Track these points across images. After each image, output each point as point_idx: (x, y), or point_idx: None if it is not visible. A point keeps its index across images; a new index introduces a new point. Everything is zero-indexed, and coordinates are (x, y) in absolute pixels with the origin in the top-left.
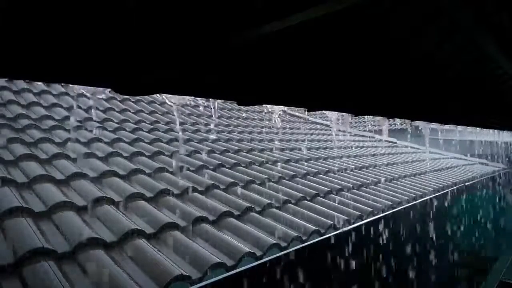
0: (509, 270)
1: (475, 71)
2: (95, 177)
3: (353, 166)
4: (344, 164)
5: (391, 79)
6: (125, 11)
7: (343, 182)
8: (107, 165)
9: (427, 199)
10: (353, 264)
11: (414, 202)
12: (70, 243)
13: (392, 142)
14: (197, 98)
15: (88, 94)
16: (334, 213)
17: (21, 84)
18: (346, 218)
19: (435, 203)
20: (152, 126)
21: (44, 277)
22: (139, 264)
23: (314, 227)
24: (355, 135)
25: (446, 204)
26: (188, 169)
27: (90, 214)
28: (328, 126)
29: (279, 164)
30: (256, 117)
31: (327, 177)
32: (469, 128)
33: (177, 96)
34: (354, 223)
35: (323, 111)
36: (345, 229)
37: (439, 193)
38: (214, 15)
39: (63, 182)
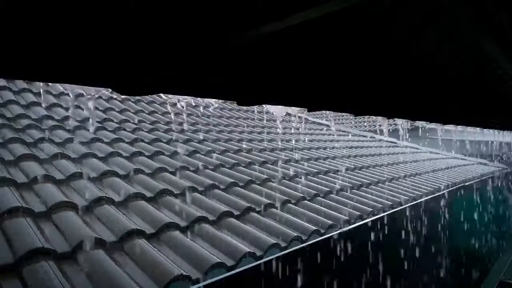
0: (509, 270)
1: (475, 71)
2: (95, 177)
3: (353, 166)
4: (344, 164)
5: (391, 79)
6: (125, 11)
7: (343, 182)
8: (107, 165)
9: (427, 199)
10: (353, 264)
11: (414, 202)
12: (70, 243)
13: (392, 142)
14: (197, 98)
15: (86, 94)
16: (334, 213)
17: (21, 84)
18: (346, 218)
19: (435, 203)
20: (152, 126)
21: (44, 277)
22: (139, 264)
23: (314, 227)
24: (355, 135)
25: (446, 204)
26: (188, 169)
27: (90, 214)
28: (328, 126)
29: (279, 164)
30: (256, 117)
31: (327, 177)
32: (469, 128)
33: (177, 96)
34: (354, 223)
35: (323, 111)
36: (345, 229)
37: (439, 193)
38: (214, 15)
39: (63, 182)
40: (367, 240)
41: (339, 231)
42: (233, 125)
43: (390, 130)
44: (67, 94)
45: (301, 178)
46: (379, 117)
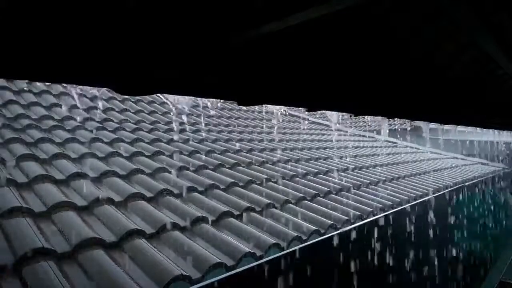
0: (509, 270)
1: (475, 71)
2: (95, 177)
3: (353, 166)
4: (344, 164)
5: (391, 79)
6: (125, 11)
7: (343, 182)
8: (107, 165)
9: (427, 199)
10: (353, 264)
11: (414, 202)
12: (70, 243)
13: (392, 142)
14: (197, 98)
15: (87, 95)
16: (334, 213)
17: (21, 84)
18: (346, 218)
19: (435, 203)
20: (152, 126)
21: (44, 277)
22: (139, 264)
23: (314, 227)
24: (355, 135)
25: (446, 204)
26: (188, 169)
27: (90, 214)
28: (328, 126)
29: (279, 164)
30: (256, 117)
31: (327, 177)
32: (469, 128)
33: (177, 96)
34: (354, 223)
35: (323, 111)
36: (345, 229)
37: (439, 193)
38: (214, 15)
39: (63, 182)
40: (367, 240)
41: (339, 231)
42: (233, 125)
43: (393, 129)
44: (67, 94)
45: (301, 178)
46: (379, 117)
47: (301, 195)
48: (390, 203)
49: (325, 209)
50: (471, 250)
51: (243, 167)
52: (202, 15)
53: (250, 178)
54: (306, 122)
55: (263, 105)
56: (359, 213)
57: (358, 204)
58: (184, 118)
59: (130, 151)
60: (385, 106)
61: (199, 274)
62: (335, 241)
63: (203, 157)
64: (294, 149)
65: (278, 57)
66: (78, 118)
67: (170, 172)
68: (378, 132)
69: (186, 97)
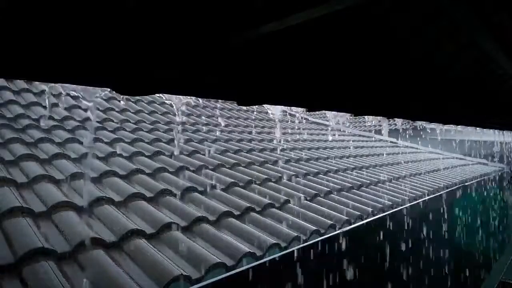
0: (509, 270)
1: (475, 71)
2: (95, 177)
3: (353, 166)
4: (344, 164)
5: (391, 79)
6: (125, 11)
7: (343, 182)
8: (107, 165)
9: (427, 199)
10: (353, 264)
11: (414, 202)
12: (70, 243)
13: (392, 142)
14: (197, 98)
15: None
16: (334, 213)
17: (21, 84)
18: (346, 218)
19: (435, 203)
20: (152, 126)
21: (44, 277)
22: (139, 264)
23: (314, 227)
24: (355, 135)
25: (446, 204)
26: (188, 169)
27: (90, 214)
28: (328, 126)
29: (279, 164)
30: (256, 117)
31: (327, 177)
32: (469, 128)
33: (177, 96)
34: (354, 223)
35: (323, 111)
36: (345, 229)
37: (439, 193)
38: (214, 15)
39: (63, 182)
40: (367, 240)
41: (339, 231)
42: (233, 125)
43: (393, 129)
44: (67, 94)
45: (301, 178)
46: (379, 117)
47: (301, 195)
48: (390, 203)
49: (325, 209)
50: (471, 250)
51: (243, 167)
52: (202, 15)
53: (250, 178)
54: (305, 122)
55: (263, 105)
56: (359, 213)
57: (358, 204)
58: (184, 118)
59: (130, 151)
60: (385, 106)
61: (199, 274)
62: (335, 241)
63: (203, 157)
64: (294, 149)
65: (278, 57)
66: (78, 118)
67: (170, 172)
68: (379, 132)
69: (186, 97)
